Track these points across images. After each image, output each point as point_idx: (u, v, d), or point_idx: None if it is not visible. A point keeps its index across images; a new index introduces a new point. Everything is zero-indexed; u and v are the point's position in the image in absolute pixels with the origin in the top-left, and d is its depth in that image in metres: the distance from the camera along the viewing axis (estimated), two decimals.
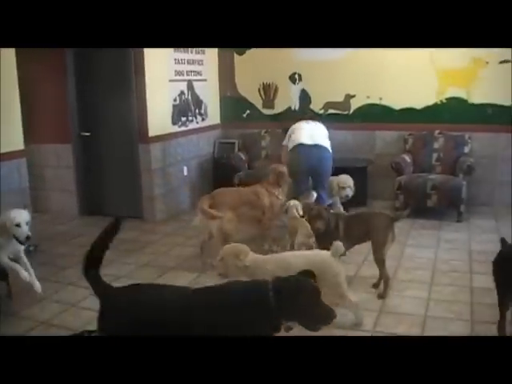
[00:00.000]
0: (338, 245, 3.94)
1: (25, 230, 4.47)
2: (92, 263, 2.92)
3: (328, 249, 4.01)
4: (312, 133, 6.34)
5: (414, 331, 4.04)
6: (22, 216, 4.52)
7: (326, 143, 6.37)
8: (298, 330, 2.76)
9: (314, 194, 6.11)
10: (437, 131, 7.76)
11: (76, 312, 4.63)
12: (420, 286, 4.92)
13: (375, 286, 4.86)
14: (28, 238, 4.49)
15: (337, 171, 6.76)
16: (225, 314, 2.61)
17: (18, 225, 4.45)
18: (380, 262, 4.71)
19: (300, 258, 3.98)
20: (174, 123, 7.87)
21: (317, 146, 6.23)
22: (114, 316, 2.78)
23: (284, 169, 6.11)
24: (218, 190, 5.89)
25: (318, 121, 6.69)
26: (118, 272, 5.51)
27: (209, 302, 2.69)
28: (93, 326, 4.26)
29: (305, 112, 7.64)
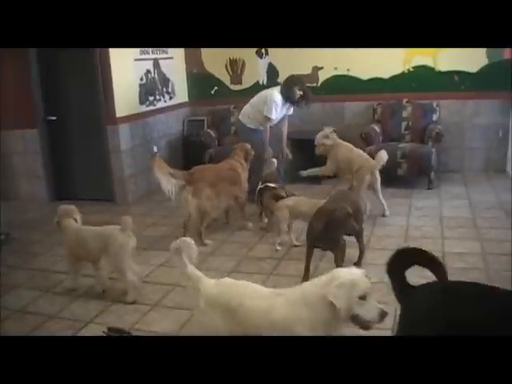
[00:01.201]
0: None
1: None
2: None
3: None
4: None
5: (387, 299, 4.07)
6: None
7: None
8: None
9: (275, 161, 6.37)
10: (405, 100, 7.80)
11: (51, 298, 4.59)
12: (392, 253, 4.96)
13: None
14: None
15: (306, 143, 6.91)
16: None
17: None
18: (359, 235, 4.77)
19: None
20: (141, 103, 7.78)
21: None
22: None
23: (249, 147, 6.20)
24: (196, 168, 5.83)
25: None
26: None
27: None
28: (68, 311, 4.27)
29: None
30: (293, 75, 6.76)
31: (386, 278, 2.58)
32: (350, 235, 4.56)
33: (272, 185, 5.87)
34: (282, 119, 6.89)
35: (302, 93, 6.62)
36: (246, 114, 6.83)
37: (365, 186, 5.84)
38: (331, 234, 4.25)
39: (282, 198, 5.52)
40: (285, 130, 6.99)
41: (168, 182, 5.46)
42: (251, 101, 6.85)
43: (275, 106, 6.52)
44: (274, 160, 6.37)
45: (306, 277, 4.35)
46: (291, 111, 6.90)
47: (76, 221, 4.61)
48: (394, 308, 2.92)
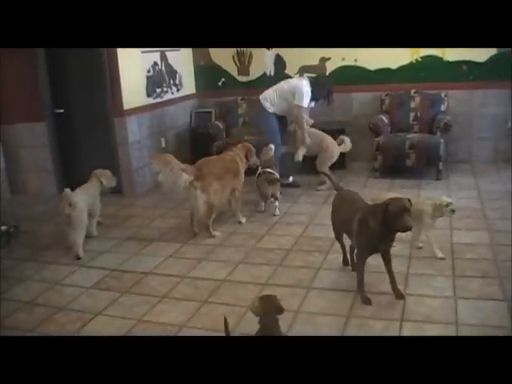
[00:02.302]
0: None
1: None
2: None
3: None
4: None
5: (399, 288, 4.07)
6: None
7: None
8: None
9: (272, 148, 6.47)
10: (413, 90, 7.76)
11: (60, 289, 4.62)
12: (401, 244, 4.95)
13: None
14: None
15: None
16: None
17: None
18: None
19: None
20: (148, 95, 7.77)
21: None
22: None
23: (252, 148, 6.23)
24: (202, 162, 5.73)
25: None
26: (101, 248, 5.52)
27: None
28: (77, 303, 4.29)
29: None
30: (322, 76, 7.11)
31: None
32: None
33: (269, 170, 6.18)
34: None
35: (327, 92, 6.87)
36: (269, 98, 6.84)
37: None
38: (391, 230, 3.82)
39: (277, 182, 6.04)
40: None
41: (180, 177, 5.40)
42: (277, 87, 6.85)
43: (307, 95, 6.64)
44: (272, 146, 6.45)
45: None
46: (312, 104, 6.94)
47: None
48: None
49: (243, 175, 6.06)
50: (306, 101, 6.65)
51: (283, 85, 6.82)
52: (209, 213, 5.54)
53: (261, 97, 6.91)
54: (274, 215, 6.09)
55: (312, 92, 6.69)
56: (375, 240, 3.83)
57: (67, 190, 5.25)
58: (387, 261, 3.95)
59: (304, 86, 6.65)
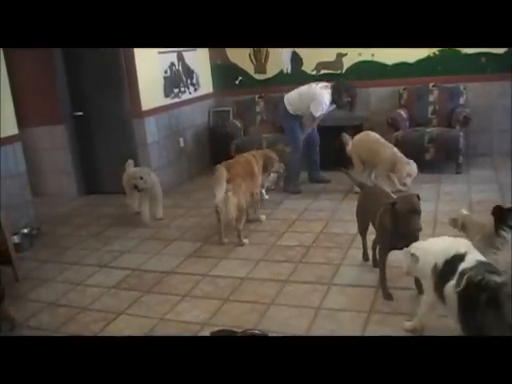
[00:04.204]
0: None
1: None
2: None
3: None
4: None
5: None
6: None
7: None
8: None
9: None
10: (431, 84, 7.70)
11: (82, 290, 4.67)
12: (421, 238, 4.91)
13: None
14: None
15: (333, 130, 7.07)
16: None
17: None
18: None
19: None
20: (166, 95, 7.81)
21: None
22: None
23: (275, 157, 6.16)
24: (230, 163, 5.54)
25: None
26: (123, 247, 5.56)
27: None
28: (100, 303, 4.33)
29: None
30: (341, 82, 6.90)
31: None
32: None
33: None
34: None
35: (349, 99, 6.78)
36: (292, 101, 6.85)
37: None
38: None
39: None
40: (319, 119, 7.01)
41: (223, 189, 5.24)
42: (300, 90, 6.82)
43: (323, 106, 6.62)
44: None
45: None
46: (331, 108, 6.90)
47: None
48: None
49: (260, 178, 5.95)
50: (319, 112, 6.62)
51: (307, 88, 6.78)
52: (240, 216, 5.32)
53: (285, 97, 6.94)
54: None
55: (334, 100, 6.67)
56: (391, 237, 3.82)
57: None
58: None
59: (324, 95, 6.60)
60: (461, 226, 3.91)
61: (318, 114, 6.64)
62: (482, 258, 2.92)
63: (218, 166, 5.39)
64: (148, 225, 6.13)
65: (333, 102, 6.69)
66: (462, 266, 2.83)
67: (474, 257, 2.89)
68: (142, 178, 5.95)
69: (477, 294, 2.62)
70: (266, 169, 6.05)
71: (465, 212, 4.05)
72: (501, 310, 2.49)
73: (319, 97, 6.59)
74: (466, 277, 2.73)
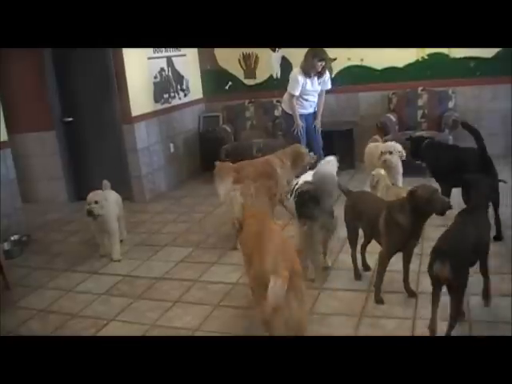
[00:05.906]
0: None
1: None
2: None
3: None
4: None
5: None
6: None
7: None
8: None
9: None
10: (420, 88, 7.74)
11: (72, 297, 4.65)
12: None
13: None
14: None
15: (323, 135, 7.05)
16: None
17: None
18: None
19: None
20: (156, 101, 7.81)
21: None
22: None
23: (303, 150, 5.99)
24: (241, 164, 5.61)
25: None
26: None
27: None
28: (91, 310, 4.32)
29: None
30: (311, 48, 6.61)
31: None
32: None
33: None
34: (320, 94, 6.92)
35: (323, 63, 6.60)
36: (284, 100, 6.90)
37: None
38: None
39: None
40: (321, 104, 6.99)
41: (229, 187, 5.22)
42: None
43: (296, 81, 6.58)
44: None
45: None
46: (328, 86, 6.89)
47: None
48: None
49: (283, 180, 5.68)
50: (295, 87, 6.58)
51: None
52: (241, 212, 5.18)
53: (282, 100, 7.00)
54: None
55: (305, 70, 6.57)
56: (405, 236, 3.79)
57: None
58: (408, 258, 3.96)
59: (294, 72, 6.68)
60: (375, 182, 5.14)
61: (293, 90, 6.59)
62: (308, 179, 4.61)
63: (217, 162, 5.54)
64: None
65: (305, 73, 6.57)
66: (296, 186, 4.72)
67: (303, 179, 4.75)
68: (96, 203, 5.15)
69: (300, 197, 4.47)
70: (296, 164, 5.83)
71: (382, 172, 5.28)
72: (311, 203, 4.28)
73: (291, 75, 6.69)
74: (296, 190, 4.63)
